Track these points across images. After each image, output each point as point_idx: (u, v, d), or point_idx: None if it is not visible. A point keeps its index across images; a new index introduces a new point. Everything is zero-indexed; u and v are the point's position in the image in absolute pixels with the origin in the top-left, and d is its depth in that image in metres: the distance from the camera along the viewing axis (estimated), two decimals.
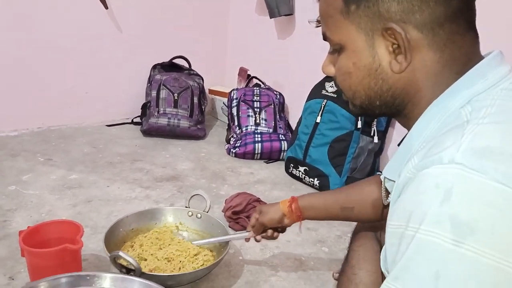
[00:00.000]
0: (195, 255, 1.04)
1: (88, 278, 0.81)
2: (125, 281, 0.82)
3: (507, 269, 0.36)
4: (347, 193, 0.87)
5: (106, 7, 2.04)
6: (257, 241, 0.99)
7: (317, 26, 0.58)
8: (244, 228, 1.27)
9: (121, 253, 0.88)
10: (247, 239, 1.01)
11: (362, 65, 0.53)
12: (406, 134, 0.55)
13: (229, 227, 1.28)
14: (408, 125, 0.55)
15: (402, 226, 0.42)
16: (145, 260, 1.02)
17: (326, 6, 0.55)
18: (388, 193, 0.59)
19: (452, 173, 0.39)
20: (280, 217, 0.94)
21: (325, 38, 0.57)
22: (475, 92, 0.48)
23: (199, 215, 1.17)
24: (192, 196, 1.16)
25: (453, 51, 0.50)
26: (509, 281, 0.37)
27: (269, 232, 0.97)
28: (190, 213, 1.17)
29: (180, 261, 1.02)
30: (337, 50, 0.56)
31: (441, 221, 0.38)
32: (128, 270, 0.90)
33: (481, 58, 0.51)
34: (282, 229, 0.99)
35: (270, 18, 2.04)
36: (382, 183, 0.63)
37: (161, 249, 1.06)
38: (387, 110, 0.56)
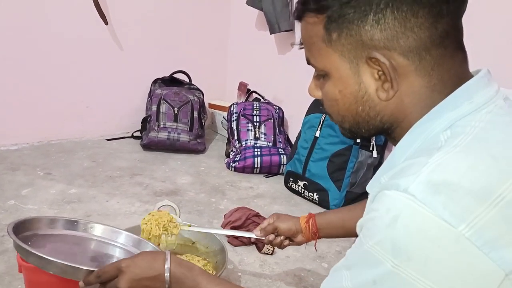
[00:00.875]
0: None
1: (82, 224, 0.93)
2: (115, 232, 0.94)
3: None
4: (364, 208, 0.87)
5: (106, 23, 2.07)
6: (265, 243, 0.96)
7: (301, 48, 0.58)
8: (243, 243, 1.26)
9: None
10: (255, 240, 0.99)
11: (348, 92, 0.53)
12: None
13: (228, 242, 1.27)
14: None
15: (359, 231, 0.47)
16: None
17: (307, 33, 0.54)
18: None
19: (403, 202, 0.41)
20: (296, 231, 0.92)
21: (308, 63, 0.57)
22: (459, 115, 0.47)
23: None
24: (159, 208, 1.14)
25: (442, 74, 0.49)
26: None
27: (281, 238, 0.94)
28: None
29: None
30: (322, 75, 0.55)
31: (384, 242, 0.42)
32: None
33: (470, 77, 0.50)
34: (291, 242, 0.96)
35: (271, 33, 2.06)
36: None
37: None
38: (376, 133, 0.55)
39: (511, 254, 0.40)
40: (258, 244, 1.25)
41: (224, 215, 1.37)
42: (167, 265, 0.66)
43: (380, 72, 0.50)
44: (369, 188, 0.56)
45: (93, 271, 0.69)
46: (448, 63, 0.49)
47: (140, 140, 2.14)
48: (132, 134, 2.24)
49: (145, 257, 0.69)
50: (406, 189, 0.42)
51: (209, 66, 2.49)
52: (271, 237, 0.94)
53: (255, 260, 1.21)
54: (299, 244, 0.95)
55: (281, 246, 0.95)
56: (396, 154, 0.52)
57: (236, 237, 1.28)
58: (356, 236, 0.92)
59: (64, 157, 1.91)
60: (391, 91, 0.50)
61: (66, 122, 2.13)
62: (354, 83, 0.52)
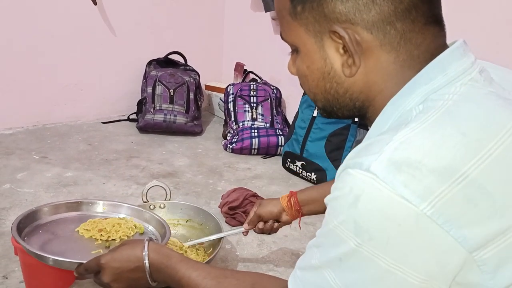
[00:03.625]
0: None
1: (84, 203, 0.99)
2: (116, 206, 1.00)
3: (397, 273, 0.41)
4: None
5: (95, 3, 2.02)
6: (257, 232, 0.98)
7: (278, 24, 0.56)
8: (241, 223, 1.26)
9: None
10: (245, 233, 0.99)
11: (315, 68, 0.51)
12: None
13: (226, 222, 1.27)
14: None
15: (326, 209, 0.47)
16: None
17: (277, 6, 0.53)
18: None
19: (365, 181, 0.41)
20: (278, 212, 0.93)
21: (282, 37, 0.55)
22: (432, 88, 0.46)
23: (162, 205, 1.15)
24: (148, 189, 1.14)
25: (410, 50, 0.47)
26: (397, 282, 0.41)
27: (269, 223, 0.95)
28: (152, 206, 1.15)
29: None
30: (294, 51, 0.54)
31: (347, 222, 0.42)
32: None
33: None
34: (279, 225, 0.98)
35: (266, 12, 2.02)
36: None
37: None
38: (349, 113, 0.54)
39: (473, 232, 0.39)
40: None
41: (222, 196, 1.36)
42: (145, 252, 0.67)
43: (345, 47, 0.48)
44: None
45: (83, 263, 0.73)
46: (418, 38, 0.47)
47: (136, 122, 2.12)
48: (128, 116, 2.22)
49: (123, 249, 0.70)
50: (368, 168, 0.41)
51: (204, 46, 2.44)
52: (260, 225, 0.96)
53: (253, 240, 1.20)
54: (287, 223, 0.96)
55: (272, 230, 0.97)
56: (371, 134, 0.50)
57: (233, 217, 1.27)
58: None
59: (60, 140, 1.89)
60: (354, 67, 0.48)
61: (61, 105, 2.10)
62: (319, 58, 0.50)
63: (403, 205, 0.39)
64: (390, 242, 0.40)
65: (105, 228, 0.91)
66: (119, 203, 1.02)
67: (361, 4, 0.46)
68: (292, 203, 0.90)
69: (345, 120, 1.57)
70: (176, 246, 1.02)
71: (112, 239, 0.89)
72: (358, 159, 0.43)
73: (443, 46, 0.49)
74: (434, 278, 0.41)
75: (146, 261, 0.67)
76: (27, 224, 0.88)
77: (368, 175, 0.41)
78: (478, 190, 0.40)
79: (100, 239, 0.89)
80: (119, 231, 0.91)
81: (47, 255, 0.76)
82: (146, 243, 0.69)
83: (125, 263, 0.68)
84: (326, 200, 0.46)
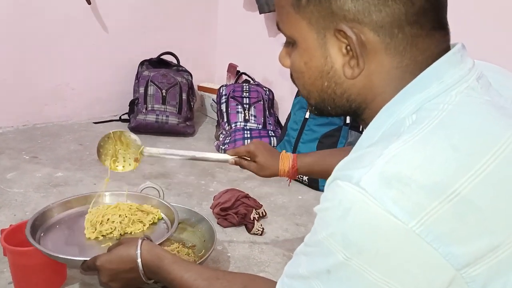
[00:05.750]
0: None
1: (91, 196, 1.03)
2: (119, 196, 1.04)
3: (385, 287, 0.40)
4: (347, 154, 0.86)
5: (89, 2, 2.00)
6: (232, 163, 0.98)
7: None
8: (232, 224, 1.26)
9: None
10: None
11: (313, 65, 0.49)
12: None
13: (218, 223, 1.27)
14: None
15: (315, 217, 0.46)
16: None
17: None
18: None
19: (354, 195, 0.40)
20: (270, 174, 0.96)
21: (278, 28, 0.53)
22: (427, 97, 0.44)
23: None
24: (142, 189, 1.14)
25: (415, 55, 0.46)
26: None
27: (252, 167, 0.96)
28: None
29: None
30: (291, 43, 0.52)
31: (336, 235, 0.41)
32: None
33: None
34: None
35: (260, 13, 2.02)
36: None
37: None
38: (343, 113, 0.52)
39: (461, 250, 0.39)
40: (248, 225, 1.25)
41: (214, 197, 1.36)
42: (137, 252, 0.69)
43: (348, 47, 0.46)
44: None
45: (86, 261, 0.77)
46: (424, 43, 0.46)
47: (128, 123, 2.11)
48: (120, 117, 2.21)
49: (118, 250, 0.72)
50: (358, 182, 0.40)
51: (197, 47, 2.44)
52: (245, 163, 0.96)
53: (245, 241, 1.21)
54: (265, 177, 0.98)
55: (250, 169, 0.97)
56: (364, 140, 0.49)
57: (225, 219, 1.27)
58: None
59: (50, 140, 1.87)
60: (357, 69, 0.46)
61: (52, 105, 2.09)
62: (320, 55, 0.48)
63: (392, 221, 0.39)
64: (378, 256, 0.40)
65: (120, 215, 0.93)
66: (122, 192, 1.05)
67: (372, 4, 0.44)
68: (293, 171, 0.92)
69: (337, 122, 1.58)
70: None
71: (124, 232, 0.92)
72: (348, 171, 0.42)
73: (446, 50, 0.47)
74: None
75: (140, 263, 0.68)
76: (41, 224, 0.94)
77: (358, 189, 0.40)
78: (469, 207, 0.39)
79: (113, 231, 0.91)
80: (136, 214, 0.95)
81: (55, 254, 0.81)
82: (139, 243, 0.70)
83: (120, 264, 0.70)
84: (315, 209, 0.46)
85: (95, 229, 0.91)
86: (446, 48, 0.47)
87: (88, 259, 0.76)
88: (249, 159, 0.97)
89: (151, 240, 0.75)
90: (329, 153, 0.95)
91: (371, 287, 0.41)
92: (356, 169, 0.42)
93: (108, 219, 0.92)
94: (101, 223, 0.92)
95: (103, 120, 2.18)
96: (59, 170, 1.58)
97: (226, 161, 0.96)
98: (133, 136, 0.94)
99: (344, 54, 0.47)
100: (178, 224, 1.14)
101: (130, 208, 0.96)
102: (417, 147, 0.41)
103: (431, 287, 0.40)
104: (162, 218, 1.00)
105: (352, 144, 1.66)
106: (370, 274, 0.40)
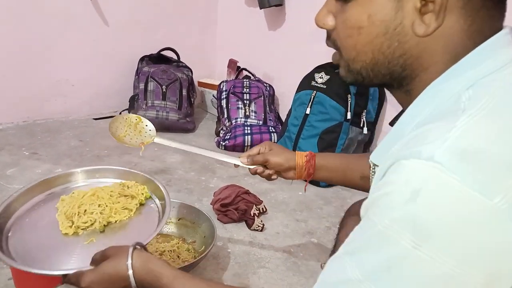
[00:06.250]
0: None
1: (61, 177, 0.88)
2: (99, 171, 0.91)
3: (458, 276, 0.35)
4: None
5: None
6: (251, 173, 0.87)
7: None
8: (233, 220, 1.26)
9: None
10: (236, 166, 0.88)
11: (379, 19, 0.43)
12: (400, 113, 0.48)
13: (218, 219, 1.27)
14: (406, 104, 0.47)
15: (368, 209, 0.40)
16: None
17: None
18: None
19: (426, 171, 0.36)
20: (288, 167, 0.83)
21: None
22: (481, 74, 0.42)
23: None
24: None
25: (484, 21, 0.43)
26: (459, 286, 0.36)
27: (269, 172, 0.85)
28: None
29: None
30: None
31: (403, 220, 0.36)
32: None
33: None
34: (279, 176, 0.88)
35: (260, 8, 2.01)
36: (371, 168, 0.60)
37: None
38: (388, 81, 0.47)
39: None
40: (248, 221, 1.25)
41: (214, 193, 1.36)
42: (129, 271, 0.58)
43: (423, 1, 0.42)
44: (374, 158, 0.50)
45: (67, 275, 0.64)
46: (493, 10, 0.43)
47: None
48: (120, 113, 2.20)
49: (106, 268, 0.61)
50: (431, 156, 0.36)
51: (197, 43, 2.43)
52: (259, 169, 0.85)
53: (245, 237, 1.20)
54: (288, 179, 0.87)
55: (269, 179, 0.88)
56: (406, 119, 0.45)
57: (225, 215, 1.27)
58: (354, 188, 0.83)
59: (50, 136, 1.87)
60: (434, 23, 0.42)
61: (52, 101, 2.08)
62: (391, 8, 0.43)
63: (474, 197, 0.34)
64: (455, 240, 0.35)
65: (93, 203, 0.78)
66: (103, 167, 0.91)
67: None
68: (309, 165, 0.82)
69: (337, 117, 1.57)
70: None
71: (103, 223, 0.77)
72: (414, 148, 0.37)
73: (500, 29, 0.44)
74: (499, 280, 0.36)
75: (133, 284, 0.59)
76: (5, 221, 0.78)
77: (432, 164, 0.36)
78: None
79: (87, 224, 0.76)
80: (118, 202, 0.80)
81: (30, 269, 0.66)
82: (130, 261, 0.59)
83: (110, 285, 0.60)
84: (367, 202, 0.40)
85: (72, 223, 0.77)
86: (501, 27, 0.45)
87: (70, 272, 0.63)
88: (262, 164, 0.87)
89: (142, 247, 0.64)
90: (351, 155, 0.88)
91: (441, 279, 0.36)
92: (423, 145, 0.37)
93: (85, 210, 0.78)
94: (78, 215, 0.77)
95: (103, 116, 2.17)
96: (59, 166, 1.58)
97: (237, 165, 0.88)
98: (150, 125, 0.89)
99: (417, 9, 0.42)
100: (179, 220, 1.14)
101: (110, 196, 0.81)
102: (488, 121, 0.38)
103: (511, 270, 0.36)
104: (150, 197, 0.86)
105: (353, 140, 1.66)
106: (443, 262, 0.35)
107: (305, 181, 0.86)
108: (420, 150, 0.37)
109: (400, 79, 0.47)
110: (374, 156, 0.50)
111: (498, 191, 0.35)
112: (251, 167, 0.86)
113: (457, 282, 0.35)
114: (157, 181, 0.86)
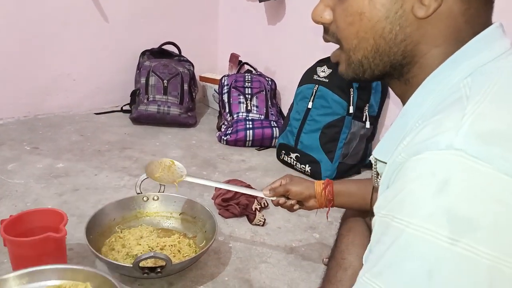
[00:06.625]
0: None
1: None
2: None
3: (505, 269, 0.33)
4: None
5: None
6: (274, 204, 0.93)
7: None
8: (234, 215, 1.25)
9: (153, 253, 0.89)
10: (261, 198, 0.94)
11: (380, 3, 0.44)
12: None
13: (219, 214, 1.26)
14: (406, 95, 0.47)
15: (388, 215, 0.37)
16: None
17: None
18: (378, 175, 0.53)
19: (450, 160, 0.34)
20: (308, 195, 0.88)
21: None
22: (479, 63, 0.42)
23: (155, 198, 1.15)
24: (143, 180, 1.12)
25: (480, 5, 0.43)
26: (505, 280, 0.33)
27: (292, 202, 0.90)
28: (145, 198, 1.14)
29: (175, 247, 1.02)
30: None
31: (435, 215, 0.33)
32: (151, 270, 0.89)
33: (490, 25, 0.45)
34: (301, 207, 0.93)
35: (260, 2, 1.99)
36: (373, 164, 0.59)
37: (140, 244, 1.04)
38: (389, 71, 0.47)
39: None
40: (250, 216, 1.24)
41: (215, 188, 1.35)
42: None
43: None
44: (378, 153, 0.49)
45: None
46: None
47: (129, 113, 2.10)
48: (121, 107, 2.20)
49: None
50: (451, 145, 0.34)
51: (199, 37, 2.42)
52: (282, 200, 0.90)
53: (246, 232, 1.20)
54: (310, 209, 0.91)
55: (291, 209, 0.92)
56: (409, 111, 0.45)
57: (227, 209, 1.26)
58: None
59: (51, 131, 1.87)
60: (435, 3, 0.42)
61: (53, 96, 2.08)
62: None
63: (506, 180, 0.33)
64: (492, 228, 0.32)
65: None
66: (36, 268, 0.79)
67: None
68: (326, 192, 0.85)
69: (339, 112, 1.56)
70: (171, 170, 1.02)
71: None
72: (428, 140, 0.36)
73: (488, 24, 0.45)
74: None
75: None
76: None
77: (454, 152, 0.34)
78: None
79: None
80: None
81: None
82: None
83: None
84: (392, 203, 0.37)
85: None
86: (490, 21, 0.46)
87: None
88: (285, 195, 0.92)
89: None
90: (368, 179, 0.88)
91: (486, 273, 0.33)
92: (437, 136, 0.36)
93: None
94: None
95: (104, 111, 2.17)
96: (60, 161, 1.58)
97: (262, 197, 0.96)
98: (181, 167, 1.03)
99: None
100: (180, 214, 1.14)
101: None
102: (497, 105, 0.37)
103: None
104: None
105: (355, 134, 1.65)
106: (485, 256, 0.32)
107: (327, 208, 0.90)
108: (436, 141, 0.35)
109: (401, 67, 0.47)
110: (378, 152, 0.49)
111: None
112: (274, 198, 0.92)
113: (503, 275, 0.33)
114: (103, 273, 0.79)
